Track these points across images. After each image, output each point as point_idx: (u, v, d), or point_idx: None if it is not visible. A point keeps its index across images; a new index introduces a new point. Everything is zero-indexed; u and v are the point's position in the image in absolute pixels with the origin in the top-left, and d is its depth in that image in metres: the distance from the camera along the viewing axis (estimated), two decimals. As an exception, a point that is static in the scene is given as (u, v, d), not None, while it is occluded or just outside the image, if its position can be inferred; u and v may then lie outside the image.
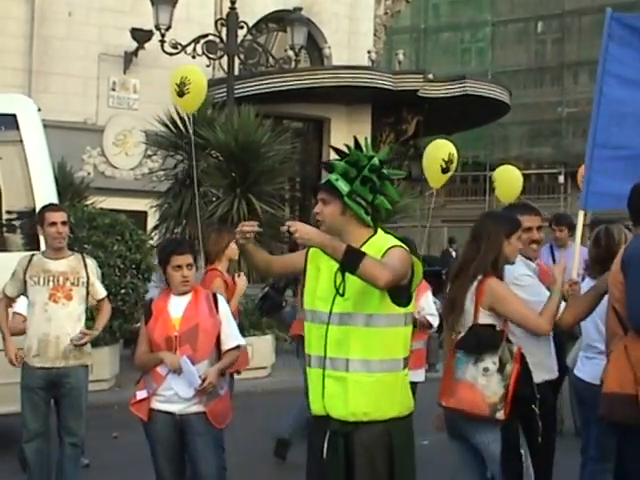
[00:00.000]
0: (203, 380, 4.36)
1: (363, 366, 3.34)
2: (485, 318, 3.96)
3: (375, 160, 3.42)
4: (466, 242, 4.23)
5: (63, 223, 5.30)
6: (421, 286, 6.74)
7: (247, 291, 6.48)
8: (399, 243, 3.40)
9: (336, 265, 3.41)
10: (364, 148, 3.46)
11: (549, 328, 4.02)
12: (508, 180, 8.55)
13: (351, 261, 3.21)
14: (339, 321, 3.38)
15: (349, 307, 3.36)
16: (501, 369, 3.84)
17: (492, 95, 18.41)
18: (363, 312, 3.35)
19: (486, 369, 3.85)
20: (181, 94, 8.19)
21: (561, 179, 28.39)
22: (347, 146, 3.45)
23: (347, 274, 3.37)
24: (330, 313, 3.40)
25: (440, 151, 8.15)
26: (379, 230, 3.47)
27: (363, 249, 3.36)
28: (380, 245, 3.39)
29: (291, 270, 3.80)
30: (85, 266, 5.39)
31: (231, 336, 4.59)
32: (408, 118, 18.56)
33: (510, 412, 3.83)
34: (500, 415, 3.82)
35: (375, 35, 20.35)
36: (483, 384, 3.84)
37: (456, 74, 20.49)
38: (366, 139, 3.54)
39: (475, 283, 3.97)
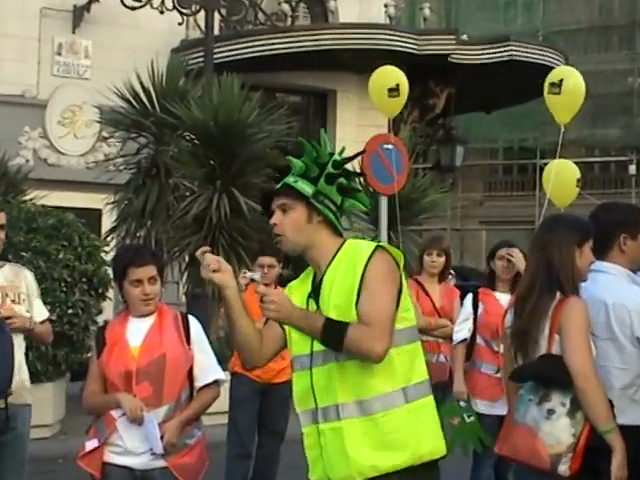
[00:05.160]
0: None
1: (356, 409, 3.36)
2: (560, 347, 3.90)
3: (336, 156, 3.52)
4: (530, 254, 4.21)
5: (0, 227, 5.27)
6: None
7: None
8: (374, 244, 3.47)
9: (306, 293, 3.51)
10: (321, 143, 3.53)
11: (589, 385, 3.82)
12: (563, 178, 8.77)
13: (332, 339, 3.32)
14: (323, 360, 3.41)
15: None
16: (572, 412, 3.79)
17: (543, 61, 18.42)
18: None
19: (551, 411, 3.82)
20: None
21: (632, 169, 28.27)
22: (300, 142, 3.51)
23: (320, 298, 3.45)
24: (311, 354, 3.44)
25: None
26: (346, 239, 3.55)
27: (336, 259, 3.45)
28: (355, 250, 3.45)
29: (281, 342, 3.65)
30: (24, 279, 5.38)
31: (207, 369, 4.59)
32: (436, 91, 18.60)
33: (580, 467, 3.77)
34: (563, 470, 3.78)
35: (394, -16, 20.42)
36: (546, 430, 3.81)
37: (498, 35, 20.53)
38: (321, 131, 3.63)
39: (554, 304, 3.91)
